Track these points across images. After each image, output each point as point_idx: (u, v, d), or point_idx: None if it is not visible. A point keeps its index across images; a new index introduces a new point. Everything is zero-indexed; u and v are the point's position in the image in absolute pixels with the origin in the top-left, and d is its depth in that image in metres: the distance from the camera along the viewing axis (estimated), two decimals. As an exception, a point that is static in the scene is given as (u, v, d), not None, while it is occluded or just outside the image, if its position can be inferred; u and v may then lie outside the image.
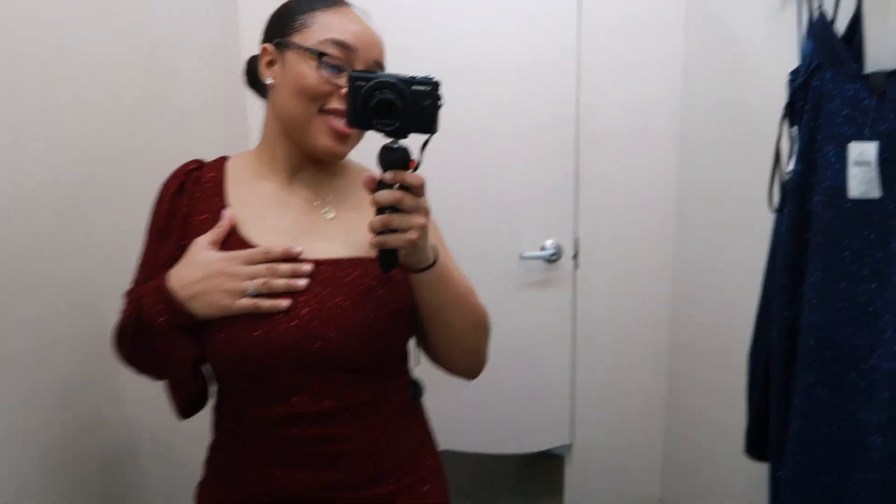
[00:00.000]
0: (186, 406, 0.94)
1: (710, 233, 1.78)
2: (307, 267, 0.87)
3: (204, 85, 1.74)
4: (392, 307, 0.90)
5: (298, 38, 0.88)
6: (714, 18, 1.75)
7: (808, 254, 0.93)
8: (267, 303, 0.84)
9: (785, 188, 0.99)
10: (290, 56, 0.89)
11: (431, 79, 0.80)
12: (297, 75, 0.87)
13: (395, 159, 0.79)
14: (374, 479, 0.93)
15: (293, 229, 0.92)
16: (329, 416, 0.88)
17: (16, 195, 1.06)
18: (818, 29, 0.93)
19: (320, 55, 0.86)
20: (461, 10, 1.93)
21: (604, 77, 1.95)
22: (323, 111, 0.88)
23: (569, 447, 2.23)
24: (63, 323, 1.18)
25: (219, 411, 0.97)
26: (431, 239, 0.86)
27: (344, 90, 0.85)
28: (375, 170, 0.80)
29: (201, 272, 0.85)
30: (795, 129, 0.97)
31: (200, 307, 0.84)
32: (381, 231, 0.79)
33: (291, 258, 0.87)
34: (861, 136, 0.83)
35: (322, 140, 0.89)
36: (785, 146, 1.00)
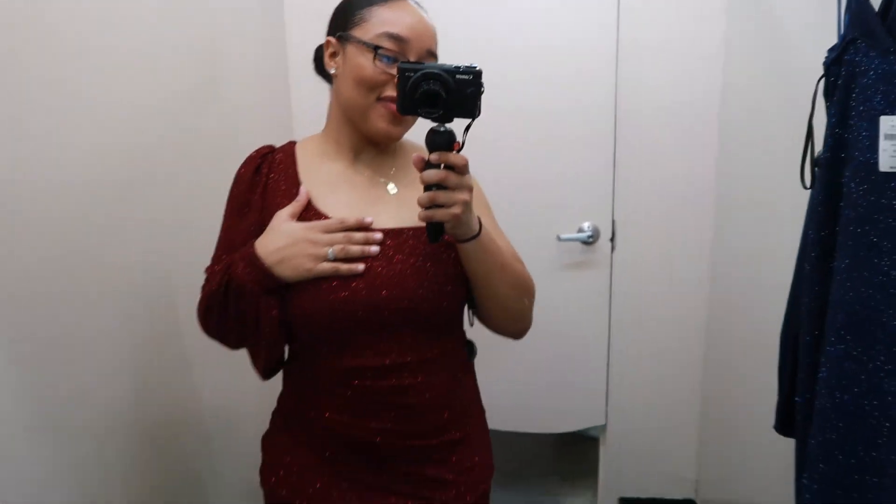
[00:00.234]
0: (269, 366, 1.04)
1: (750, 215, 1.77)
2: (378, 235, 0.97)
3: (251, 77, 1.81)
4: (451, 271, 1.00)
5: (357, 32, 0.98)
6: (756, -4, 1.73)
7: (838, 229, 0.94)
8: (345, 266, 0.95)
9: (816, 164, 0.99)
10: (351, 49, 0.98)
11: (474, 68, 0.88)
12: (356, 67, 0.97)
13: (440, 142, 0.88)
14: (437, 428, 1.04)
15: (361, 203, 1.02)
16: (397, 370, 0.99)
17: (83, 183, 1.14)
18: (854, 3, 0.93)
19: (376, 48, 0.95)
20: (500, -10, 1.95)
21: (643, 57, 1.94)
22: (380, 99, 0.97)
23: (604, 428, 2.25)
24: (127, 305, 1.28)
25: (293, 366, 1.08)
26: (475, 212, 0.94)
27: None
28: (426, 150, 0.89)
29: (286, 240, 0.95)
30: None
31: (286, 271, 0.94)
32: (428, 206, 0.88)
33: (364, 228, 0.97)
34: (893, 110, 0.83)
35: (379, 124, 0.98)
36: (819, 122, 1.00)
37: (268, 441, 1.13)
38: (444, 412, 1.04)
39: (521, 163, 1.99)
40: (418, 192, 0.89)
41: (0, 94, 0.94)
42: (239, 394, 1.71)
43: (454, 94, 0.87)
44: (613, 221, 2.07)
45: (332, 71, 1.02)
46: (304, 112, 2.03)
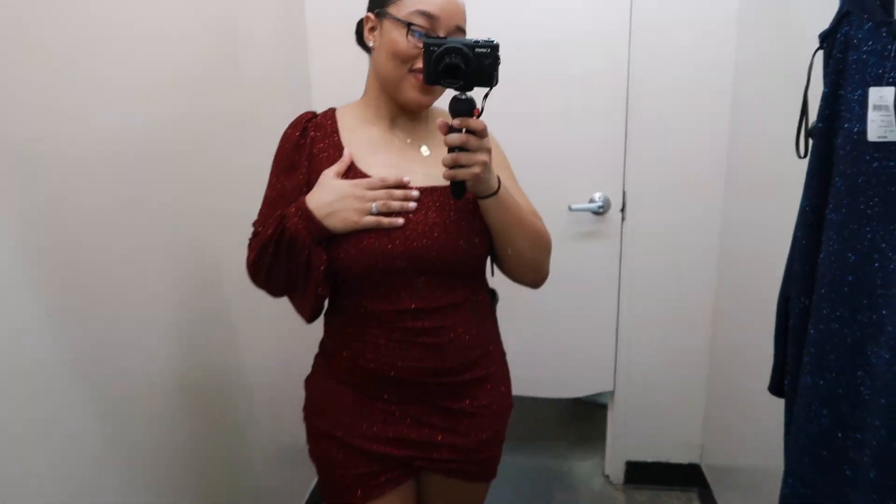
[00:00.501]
0: (314, 311, 1.15)
1: (760, 186, 1.79)
2: (416, 192, 1.09)
3: (271, 50, 1.86)
4: (478, 225, 1.12)
5: (393, 10, 1.07)
6: (768, -31, 1.73)
7: (829, 198, 0.97)
8: (386, 220, 1.07)
9: (811, 134, 1.02)
10: (387, 24, 1.08)
11: (492, 42, 0.98)
12: (391, 41, 1.07)
13: (461, 108, 0.98)
14: (465, 365, 1.16)
15: (398, 164, 1.13)
16: (429, 312, 1.11)
17: (117, 153, 1.20)
18: (851, -24, 0.95)
19: (409, 25, 1.05)
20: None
21: (656, 27, 1.96)
22: (412, 70, 1.08)
23: (612, 394, 2.31)
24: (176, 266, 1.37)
25: (334, 311, 1.20)
26: (494, 172, 1.06)
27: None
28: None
29: (334, 195, 1.06)
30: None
31: (334, 223, 1.06)
32: (451, 166, 0.99)
33: (402, 186, 1.09)
34: (881, 82, 0.86)
35: (411, 94, 1.10)
36: (814, 94, 1.03)
37: (310, 382, 1.27)
38: (470, 351, 1.16)
39: (534, 134, 2.03)
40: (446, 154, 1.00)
41: (31, 70, 1.00)
42: (277, 350, 1.82)
43: (473, 66, 0.97)
44: (624, 192, 2.10)
45: (371, 44, 1.13)
46: (322, 85, 2.08)
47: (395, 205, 1.07)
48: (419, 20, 1.05)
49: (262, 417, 1.78)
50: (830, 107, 0.97)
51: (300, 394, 1.28)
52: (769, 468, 1.47)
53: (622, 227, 2.14)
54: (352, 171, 1.11)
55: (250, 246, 1.14)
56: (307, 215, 1.05)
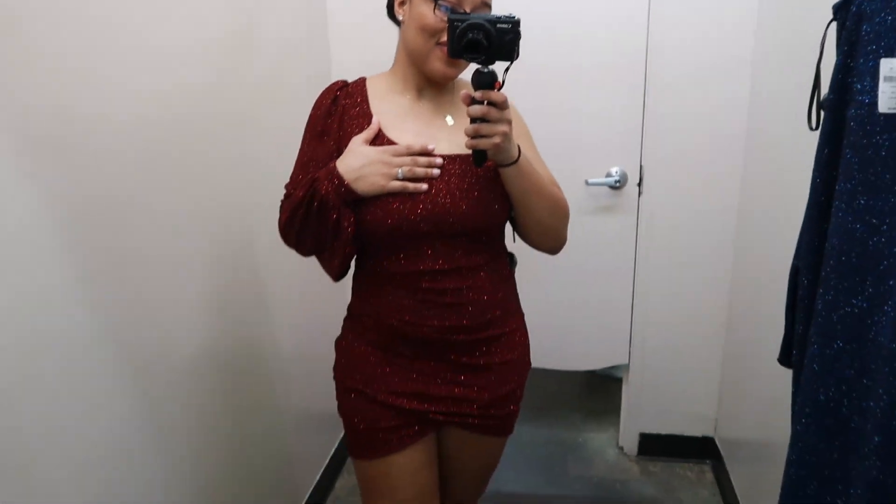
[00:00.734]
0: (342, 270, 1.21)
1: (778, 164, 1.78)
2: (439, 160, 1.15)
3: (288, 26, 1.88)
4: (499, 190, 1.18)
5: None
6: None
7: (840, 169, 0.98)
8: (412, 185, 1.12)
9: (822, 106, 1.03)
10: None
11: (513, 17, 1.02)
12: (420, 16, 1.11)
13: (483, 81, 1.03)
14: (485, 324, 1.22)
15: (424, 132, 1.19)
16: (452, 273, 1.17)
17: (149, 123, 1.24)
18: (866, -53, 0.95)
19: (436, 0, 1.08)
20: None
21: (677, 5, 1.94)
22: (438, 44, 1.11)
23: (627, 367, 2.33)
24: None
25: (360, 273, 1.27)
26: (514, 142, 1.11)
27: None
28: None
29: (362, 160, 1.12)
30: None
31: (363, 186, 1.12)
32: (473, 136, 1.05)
33: (427, 153, 1.14)
34: (893, 53, 0.87)
35: (437, 66, 1.14)
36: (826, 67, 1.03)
37: (339, 343, 1.33)
38: (489, 311, 1.22)
39: (552, 107, 2.03)
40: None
41: (73, 41, 1.05)
42: (307, 318, 1.88)
43: (495, 41, 1.01)
44: (641, 166, 2.11)
45: (400, 17, 1.17)
46: (341, 53, 2.10)
47: (420, 171, 1.13)
48: None
49: (294, 386, 1.83)
50: (842, 78, 0.97)
51: (329, 358, 1.34)
52: (783, 443, 1.49)
53: (639, 202, 2.14)
54: (379, 139, 1.17)
55: (282, 208, 1.20)
56: (337, 179, 1.11)
